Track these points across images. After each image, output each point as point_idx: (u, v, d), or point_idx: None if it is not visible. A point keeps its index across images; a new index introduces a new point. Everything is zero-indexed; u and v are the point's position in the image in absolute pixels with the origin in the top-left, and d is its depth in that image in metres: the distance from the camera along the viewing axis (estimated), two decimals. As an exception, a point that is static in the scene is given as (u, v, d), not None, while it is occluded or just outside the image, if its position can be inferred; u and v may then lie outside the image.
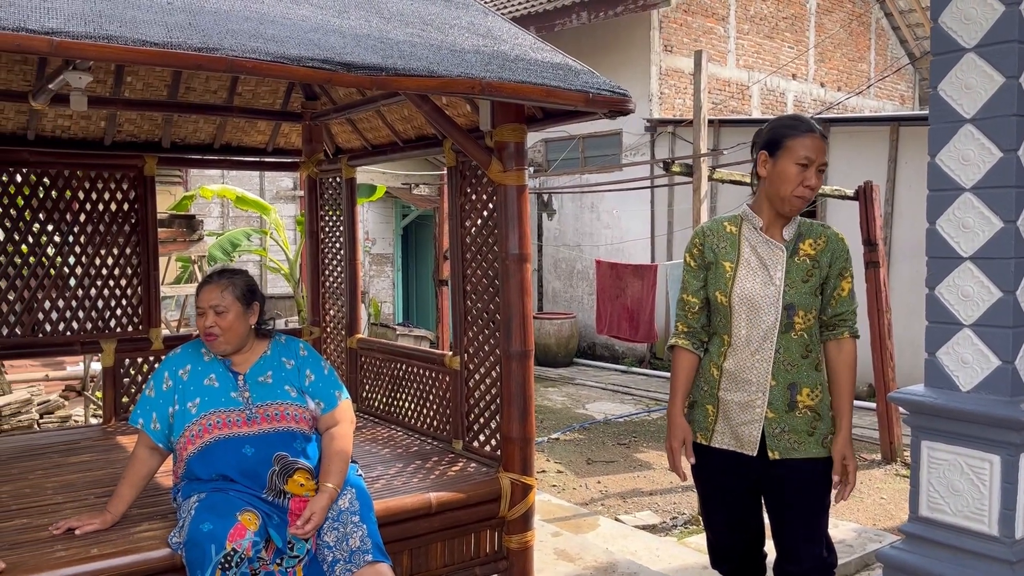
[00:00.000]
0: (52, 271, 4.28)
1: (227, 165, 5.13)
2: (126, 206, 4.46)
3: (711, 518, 2.66)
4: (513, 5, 12.26)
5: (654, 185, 10.44)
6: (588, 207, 12.19)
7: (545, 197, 11.70)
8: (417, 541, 3.18)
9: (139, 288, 4.50)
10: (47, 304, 4.26)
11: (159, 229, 6.89)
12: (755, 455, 2.48)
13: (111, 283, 4.42)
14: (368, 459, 3.66)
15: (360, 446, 3.86)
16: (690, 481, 6.11)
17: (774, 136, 2.48)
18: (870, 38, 14.94)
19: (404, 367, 4.28)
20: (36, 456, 3.71)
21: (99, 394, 6.50)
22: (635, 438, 7.52)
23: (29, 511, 2.98)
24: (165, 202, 9.48)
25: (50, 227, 4.28)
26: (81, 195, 4.35)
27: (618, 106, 3.14)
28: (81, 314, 4.35)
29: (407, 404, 4.27)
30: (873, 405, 7.11)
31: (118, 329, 4.43)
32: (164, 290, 8.00)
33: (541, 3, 11.69)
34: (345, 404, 2.99)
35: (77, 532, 2.71)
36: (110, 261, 4.42)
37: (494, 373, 3.61)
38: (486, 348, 3.66)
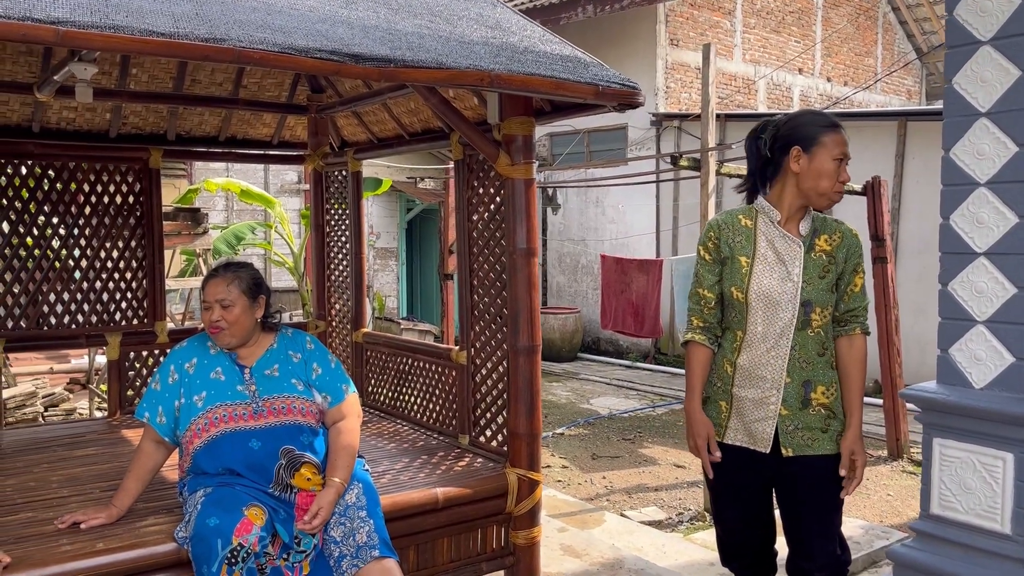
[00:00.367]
0: (57, 264, 4.27)
1: (232, 158, 5.11)
2: (131, 199, 4.45)
3: (722, 514, 2.64)
4: (518, -2, 12.20)
5: (659, 180, 10.40)
6: (593, 202, 12.16)
7: (550, 191, 11.67)
8: (423, 536, 3.17)
9: (144, 281, 4.48)
10: (52, 297, 4.25)
11: (164, 222, 6.89)
12: (768, 452, 2.46)
13: (116, 276, 4.40)
14: (374, 454, 3.65)
15: (366, 440, 3.84)
16: (695, 477, 6.15)
17: (807, 132, 2.45)
18: (877, 32, 14.87)
19: (410, 361, 4.27)
20: (41, 449, 3.70)
21: (103, 387, 6.50)
22: (640, 433, 7.50)
23: (34, 505, 2.96)
24: (169, 195, 9.47)
25: (55, 220, 4.26)
26: (86, 187, 4.34)
27: (628, 99, 3.11)
28: (86, 307, 4.33)
29: (413, 399, 4.25)
30: (880, 401, 7.08)
31: (123, 322, 4.42)
32: (168, 283, 7.99)
33: (547, -4, 11.64)
34: (352, 398, 2.97)
35: (82, 526, 2.70)
36: (115, 254, 4.40)
37: (501, 368, 3.59)
38: (493, 343, 3.64)
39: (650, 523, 5.05)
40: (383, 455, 3.68)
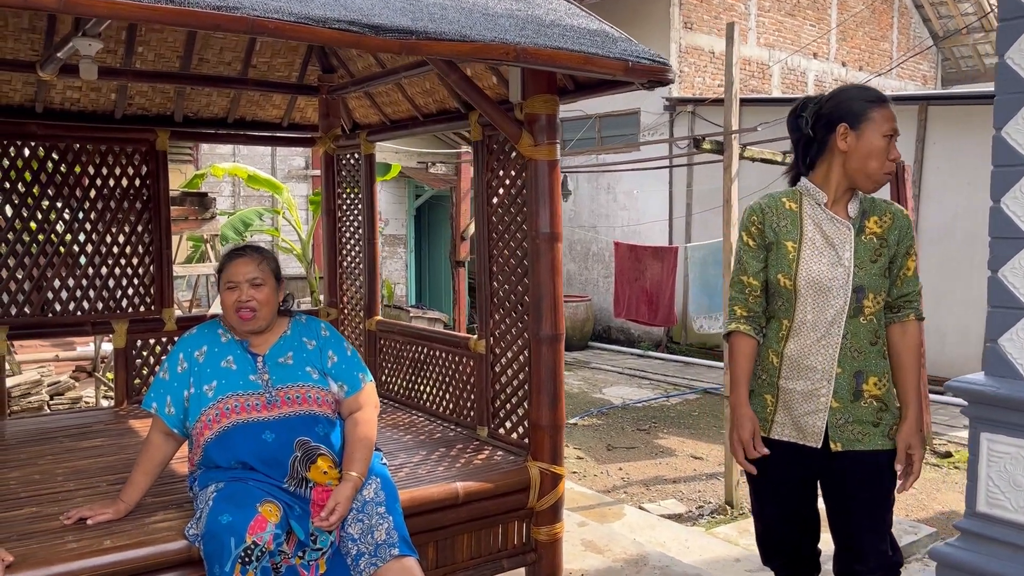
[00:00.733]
0: (62, 249, 4.14)
1: (241, 140, 4.97)
2: (137, 182, 4.31)
3: (763, 510, 2.50)
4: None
5: (672, 165, 10.23)
6: (604, 188, 11.99)
7: (560, 177, 11.50)
8: (443, 533, 3.05)
9: (151, 267, 4.35)
10: (56, 283, 4.13)
11: (172, 207, 6.76)
12: (819, 447, 2.32)
13: (122, 262, 4.27)
14: (390, 445, 3.52)
15: (381, 432, 3.70)
16: (713, 469, 6.02)
17: (854, 107, 2.30)
18: (893, 16, 14.62)
19: (425, 350, 4.13)
20: (46, 440, 3.59)
21: (110, 375, 6.39)
22: (655, 423, 7.37)
23: (39, 499, 2.85)
24: (176, 180, 9.33)
25: (59, 203, 4.13)
26: (91, 170, 4.20)
27: (658, 75, 2.96)
28: (92, 294, 4.21)
29: (429, 389, 4.12)
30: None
31: (130, 309, 4.30)
32: (175, 270, 7.87)
33: (558, -21, 11.43)
34: (369, 387, 2.85)
35: (89, 522, 2.58)
36: (121, 239, 4.27)
37: (521, 358, 3.46)
38: (513, 331, 3.51)
39: (670, 516, 4.93)
40: (399, 447, 3.55)
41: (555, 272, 3.22)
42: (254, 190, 10.35)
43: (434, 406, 4.08)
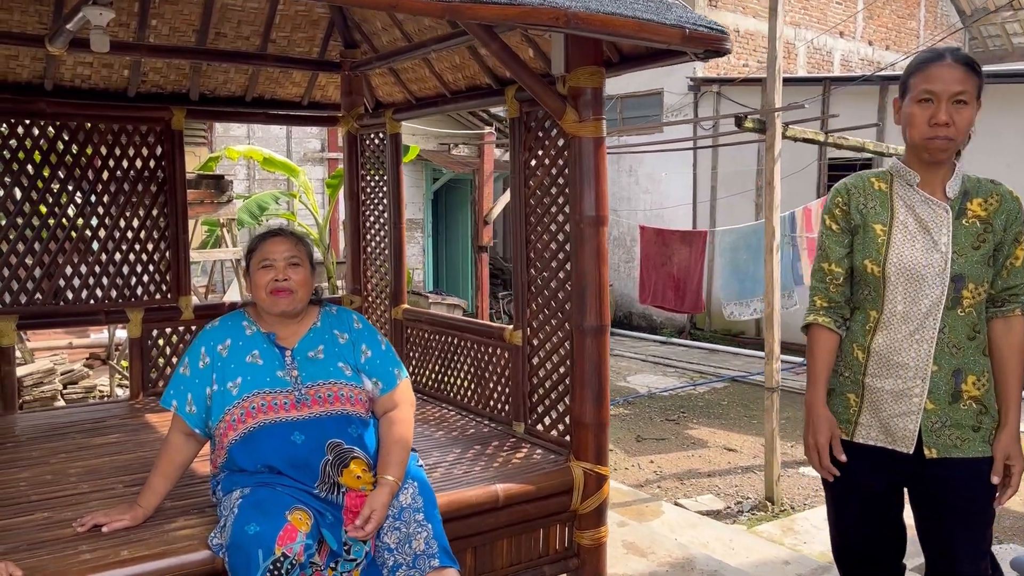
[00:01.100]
0: (73, 234, 3.93)
1: (260, 119, 4.75)
2: (152, 163, 4.10)
3: (842, 520, 2.27)
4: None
5: (697, 147, 9.95)
6: (626, 171, 11.72)
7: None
8: (481, 538, 2.84)
9: (167, 253, 4.15)
10: (68, 270, 3.92)
11: (187, 191, 6.55)
12: (910, 452, 2.09)
13: (137, 247, 4.07)
14: (422, 443, 3.31)
15: (411, 427, 3.51)
16: (748, 462, 5.79)
17: (903, 77, 2.12)
18: (921, -6, 14.23)
19: (456, 341, 3.92)
20: (58, 436, 3.40)
21: (124, 363, 6.22)
22: (684, 413, 7.15)
23: (51, 502, 2.65)
24: (190, 163, 9.11)
25: (70, 186, 3.92)
26: (103, 150, 3.99)
27: (716, 44, 2.73)
28: (105, 281, 4.01)
29: (460, 381, 3.91)
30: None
31: (145, 297, 4.09)
32: (192, 255, 7.68)
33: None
34: (405, 384, 2.63)
35: (104, 529, 2.39)
36: (135, 223, 4.07)
37: (562, 350, 3.24)
38: (553, 322, 3.28)
39: (708, 513, 4.71)
40: (432, 444, 3.34)
41: (600, 258, 2.99)
42: (269, 173, 10.15)
43: (465, 399, 3.87)
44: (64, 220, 3.91)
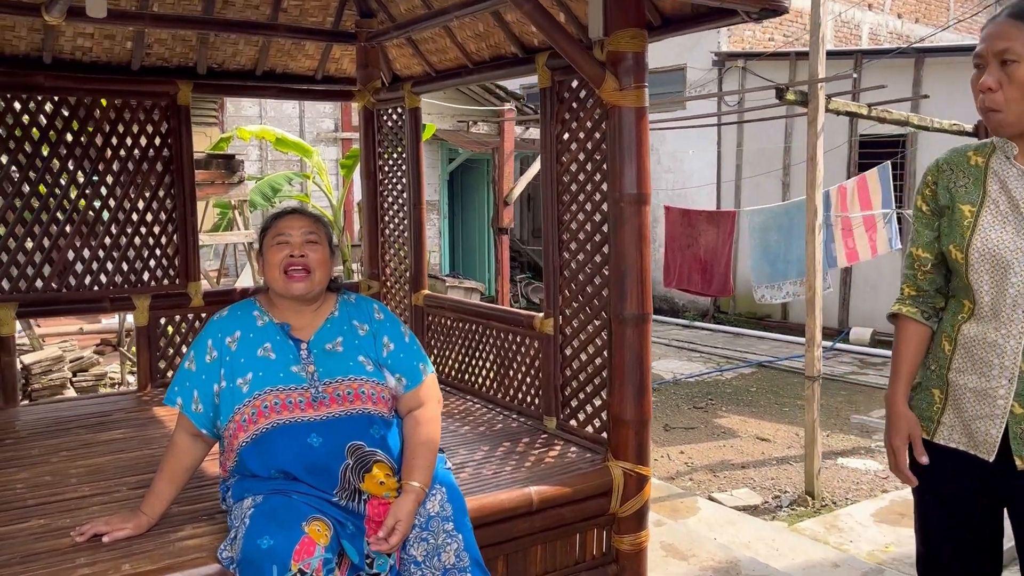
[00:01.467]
0: (75, 216, 3.71)
1: (271, 93, 4.50)
2: (158, 140, 3.87)
3: (927, 530, 2.01)
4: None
5: (721, 123, 9.63)
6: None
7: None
8: (513, 545, 2.61)
9: (175, 236, 3.92)
10: (71, 254, 3.71)
11: (197, 171, 6.32)
12: (992, 460, 1.83)
13: (143, 230, 3.85)
14: (447, 439, 3.08)
15: (434, 422, 3.28)
16: (783, 453, 5.53)
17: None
18: (951, -35, 13.77)
19: (481, 329, 3.68)
20: (61, 432, 3.20)
21: (135, 349, 6.03)
22: (711, 401, 6.90)
23: (48, 507, 2.45)
24: (200, 143, 8.89)
25: (71, 165, 3.70)
26: (106, 127, 3.76)
27: (774, 2, 2.48)
28: (110, 266, 3.79)
29: (485, 372, 3.68)
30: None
31: (152, 283, 3.88)
32: (202, 238, 7.46)
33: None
34: (431, 380, 2.40)
35: (105, 539, 2.18)
36: (141, 205, 3.84)
37: (598, 340, 3.00)
38: (588, 310, 3.04)
39: (745, 508, 4.48)
40: (458, 441, 3.12)
41: (642, 240, 2.73)
42: (282, 154, 9.91)
43: (491, 391, 3.64)
44: (65, 202, 3.69)
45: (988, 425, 1.83)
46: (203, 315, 3.93)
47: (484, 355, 3.68)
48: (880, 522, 4.19)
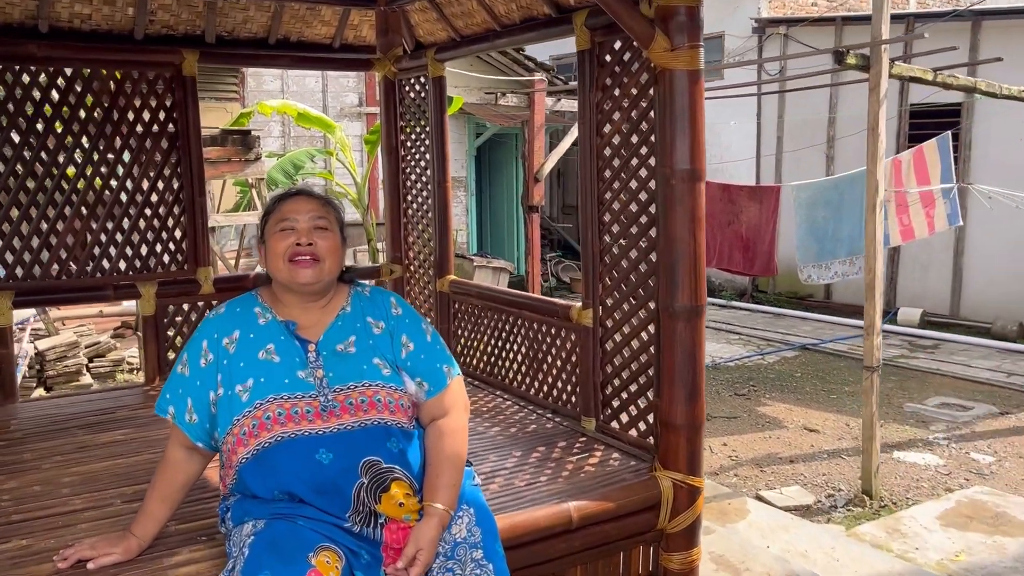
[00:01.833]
0: (74, 197, 3.45)
1: (285, 63, 4.19)
2: (162, 115, 3.59)
3: None
4: None
5: (761, 93, 9.18)
6: (681, 123, 10.96)
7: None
8: (550, 567, 2.33)
9: (182, 218, 3.65)
10: (70, 239, 3.45)
11: (210, 148, 6.05)
12: None
13: (147, 212, 3.58)
14: (475, 443, 2.78)
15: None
16: (834, 445, 5.19)
17: None
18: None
19: (512, 319, 3.38)
20: (58, 433, 2.96)
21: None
22: (754, 387, 6.55)
23: (32, 524, 2.20)
24: (221, 119, 8.65)
25: (68, 141, 3.43)
26: (106, 101, 3.48)
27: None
28: (112, 250, 3.53)
29: (516, 367, 3.38)
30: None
31: (159, 269, 3.62)
32: (220, 219, 7.23)
33: None
34: (456, 384, 2.11)
35: (90, 566, 1.93)
36: (145, 184, 3.57)
37: (644, 334, 2.68)
38: (633, 300, 2.72)
39: (797, 508, 4.15)
40: (486, 445, 2.82)
41: (696, 223, 2.40)
42: (305, 129, 9.62)
43: (523, 387, 3.34)
44: (64, 182, 3.43)
45: None
46: (214, 303, 3.67)
47: (516, 347, 3.38)
48: (947, 526, 3.85)
